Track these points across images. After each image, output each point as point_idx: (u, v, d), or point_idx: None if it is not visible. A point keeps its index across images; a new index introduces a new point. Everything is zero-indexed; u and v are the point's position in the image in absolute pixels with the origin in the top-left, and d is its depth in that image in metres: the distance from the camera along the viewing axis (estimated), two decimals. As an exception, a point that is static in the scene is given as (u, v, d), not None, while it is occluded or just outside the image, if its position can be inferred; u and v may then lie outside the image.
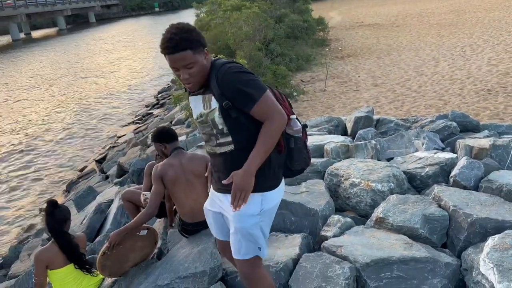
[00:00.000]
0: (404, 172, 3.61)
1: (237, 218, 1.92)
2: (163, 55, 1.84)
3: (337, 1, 47.20)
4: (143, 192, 3.43)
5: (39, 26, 67.91)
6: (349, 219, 3.07)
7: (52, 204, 3.01)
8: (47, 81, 21.44)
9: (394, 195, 3.17)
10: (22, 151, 11.25)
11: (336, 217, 3.07)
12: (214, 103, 1.85)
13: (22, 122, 14.21)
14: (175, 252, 3.03)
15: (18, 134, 12.85)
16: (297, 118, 1.99)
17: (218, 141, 1.92)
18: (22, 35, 55.80)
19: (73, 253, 2.99)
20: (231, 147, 1.90)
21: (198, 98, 1.95)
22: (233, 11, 14.08)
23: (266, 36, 13.66)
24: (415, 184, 3.59)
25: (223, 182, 1.86)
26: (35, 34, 59.59)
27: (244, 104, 1.81)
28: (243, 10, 13.55)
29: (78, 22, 72.46)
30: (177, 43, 1.75)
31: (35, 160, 10.49)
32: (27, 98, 17.87)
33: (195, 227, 3.10)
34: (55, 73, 23.64)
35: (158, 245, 3.33)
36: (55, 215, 2.98)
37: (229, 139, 1.89)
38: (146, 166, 3.59)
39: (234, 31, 12.71)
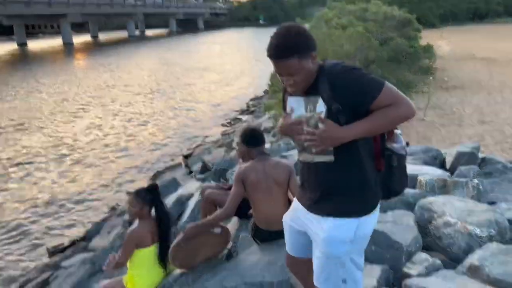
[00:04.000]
0: (508, 220, 3.18)
1: (326, 242, 1.76)
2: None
3: (448, 31, 44.68)
4: None
5: (153, 26, 73.76)
6: (438, 261, 2.76)
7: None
8: (154, 74, 23.10)
9: (494, 243, 2.81)
10: (118, 136, 12.14)
11: (423, 255, 2.78)
12: (321, 107, 1.71)
13: (124, 109, 15.39)
14: (245, 257, 2.97)
15: (117, 120, 13.93)
16: (400, 135, 1.80)
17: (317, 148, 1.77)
18: (137, 32, 61.15)
19: (167, 225, 3.04)
20: (331, 157, 1.75)
21: (299, 100, 1.79)
22: (339, 29, 13.94)
23: (367, 57, 13.30)
24: (520, 235, 3.15)
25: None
26: (148, 32, 64.85)
27: (366, 97, 1.64)
28: (348, 29, 13.35)
29: (188, 26, 77.40)
30: (282, 50, 1.65)
31: (128, 146, 11.25)
32: (137, 88, 19.35)
33: (268, 236, 3.01)
34: (161, 68, 25.41)
35: (229, 246, 3.31)
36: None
37: (330, 148, 1.73)
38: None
39: (335, 48, 12.57)
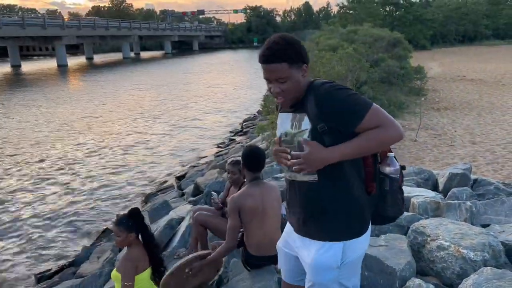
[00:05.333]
0: (502, 243, 3.15)
1: (313, 270, 1.71)
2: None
3: (439, 53, 45.55)
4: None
5: (148, 48, 74.42)
6: (432, 286, 2.70)
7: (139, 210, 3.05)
8: (148, 95, 23.13)
9: (488, 267, 2.75)
10: (109, 157, 12.04)
11: (416, 281, 2.72)
12: (306, 124, 1.67)
13: (117, 130, 15.33)
14: (235, 284, 2.90)
15: (109, 141, 13.84)
16: (394, 157, 1.76)
17: None
18: (132, 54, 61.63)
19: (155, 252, 2.94)
20: (315, 176, 1.70)
21: (287, 116, 1.78)
22: (329, 51, 14.12)
23: (359, 78, 13.43)
24: (514, 259, 3.11)
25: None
26: (144, 54, 65.39)
27: (352, 117, 1.60)
28: (339, 51, 13.53)
29: (183, 48, 78.10)
30: (274, 53, 1.64)
31: (120, 167, 11.13)
32: (131, 109, 19.34)
33: (259, 261, 2.95)
34: (156, 89, 25.47)
35: (220, 272, 3.24)
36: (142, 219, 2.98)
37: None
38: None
39: (326, 70, 12.67)
